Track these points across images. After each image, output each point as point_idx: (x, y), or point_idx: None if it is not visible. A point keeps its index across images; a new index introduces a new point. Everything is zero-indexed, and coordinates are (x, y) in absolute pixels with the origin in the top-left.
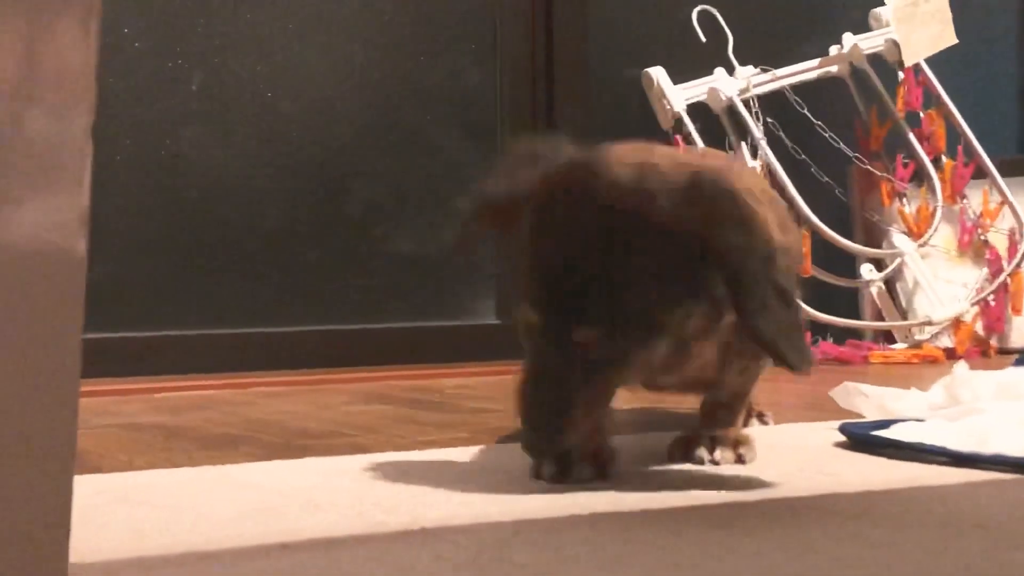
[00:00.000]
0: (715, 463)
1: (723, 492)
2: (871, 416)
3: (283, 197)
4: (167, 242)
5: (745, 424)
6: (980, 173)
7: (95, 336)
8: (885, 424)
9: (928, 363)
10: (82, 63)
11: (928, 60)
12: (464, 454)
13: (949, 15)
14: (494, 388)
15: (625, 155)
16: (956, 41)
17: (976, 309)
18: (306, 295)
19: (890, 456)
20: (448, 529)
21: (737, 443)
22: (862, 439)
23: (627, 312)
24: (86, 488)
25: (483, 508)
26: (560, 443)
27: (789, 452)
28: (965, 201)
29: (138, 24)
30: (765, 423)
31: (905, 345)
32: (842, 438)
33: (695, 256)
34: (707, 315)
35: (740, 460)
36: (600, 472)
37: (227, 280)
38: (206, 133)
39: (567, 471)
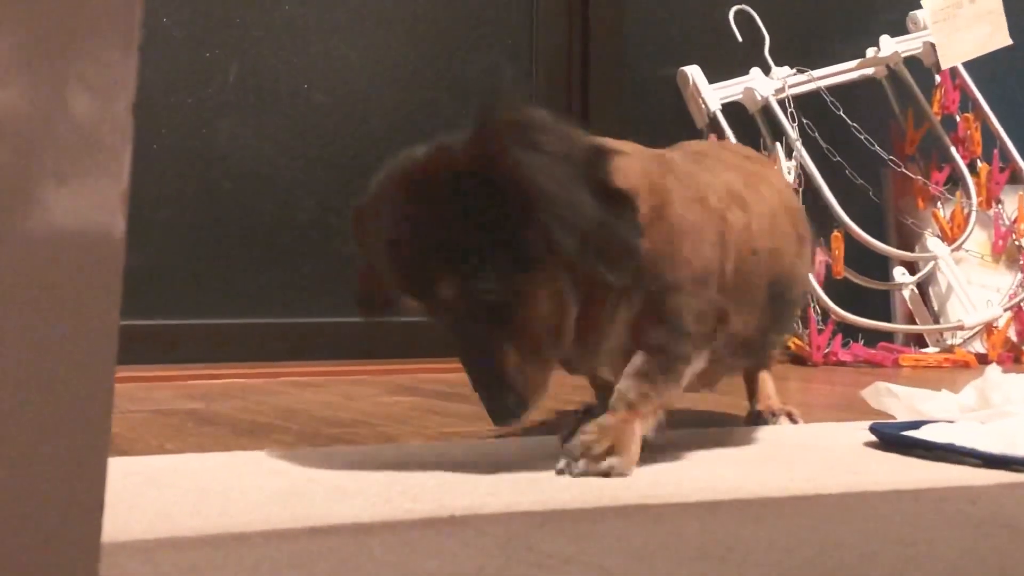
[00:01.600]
0: (570, 473)
1: (752, 487)
2: (901, 417)
3: (317, 189)
4: (201, 232)
5: (774, 422)
6: (1016, 178)
7: (128, 323)
8: (916, 425)
9: (959, 368)
10: (124, 41)
11: (965, 64)
12: (492, 445)
13: (1001, 16)
14: None
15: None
16: (1010, 42)
17: (1009, 314)
18: (338, 287)
19: (920, 457)
20: (476, 517)
21: (610, 451)
22: (892, 439)
23: (470, 256)
24: (115, 470)
25: (511, 497)
26: (516, 403)
27: (819, 451)
28: (1000, 206)
29: (176, 14)
30: (795, 422)
31: (936, 349)
32: (872, 438)
33: (495, 190)
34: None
35: (606, 474)
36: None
37: (260, 270)
38: (241, 124)
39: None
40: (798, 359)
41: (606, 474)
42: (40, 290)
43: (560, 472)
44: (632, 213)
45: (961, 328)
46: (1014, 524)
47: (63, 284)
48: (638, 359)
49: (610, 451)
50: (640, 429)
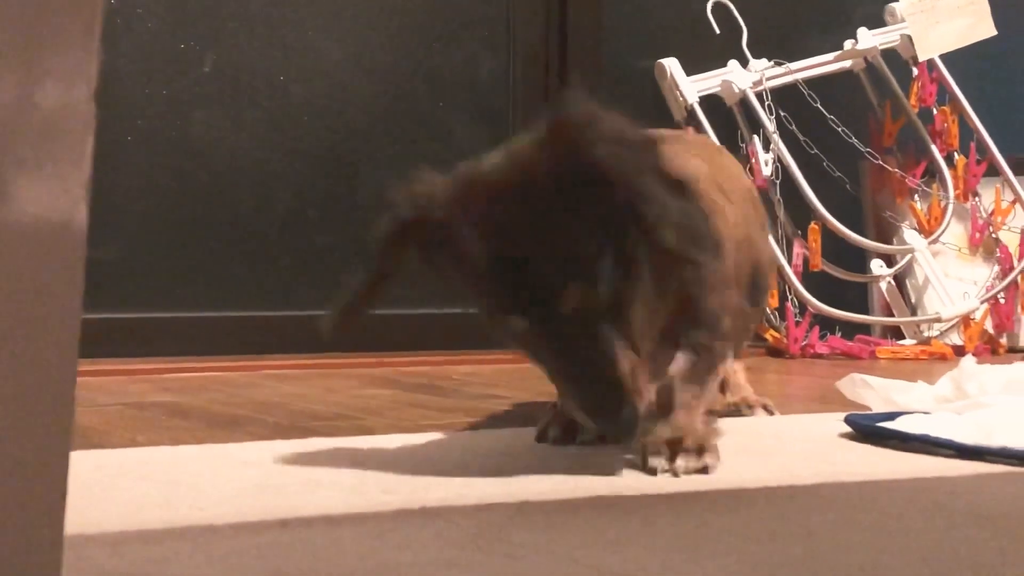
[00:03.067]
0: (674, 474)
1: (726, 479)
2: (877, 408)
3: (294, 181)
4: (177, 224)
5: (749, 413)
6: (993, 171)
7: (105, 316)
8: (891, 416)
9: (936, 360)
10: (86, 29)
11: (942, 56)
12: (468, 438)
13: (985, 6)
14: (503, 375)
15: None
16: (994, 32)
17: (986, 307)
18: (317, 279)
19: (896, 448)
20: (449, 509)
21: (701, 449)
22: (868, 430)
23: (590, 263)
24: (88, 463)
25: (485, 489)
26: (633, 414)
27: (794, 442)
28: (977, 198)
29: (152, 5)
30: (771, 413)
31: (914, 341)
32: (848, 429)
33: (589, 192)
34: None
35: (704, 470)
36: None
37: (237, 263)
38: (218, 116)
39: (571, 435)
40: (775, 351)
41: (704, 471)
42: (2, 279)
43: (654, 472)
44: (696, 199)
45: (938, 320)
46: (988, 513)
47: (26, 273)
48: (683, 361)
49: (700, 449)
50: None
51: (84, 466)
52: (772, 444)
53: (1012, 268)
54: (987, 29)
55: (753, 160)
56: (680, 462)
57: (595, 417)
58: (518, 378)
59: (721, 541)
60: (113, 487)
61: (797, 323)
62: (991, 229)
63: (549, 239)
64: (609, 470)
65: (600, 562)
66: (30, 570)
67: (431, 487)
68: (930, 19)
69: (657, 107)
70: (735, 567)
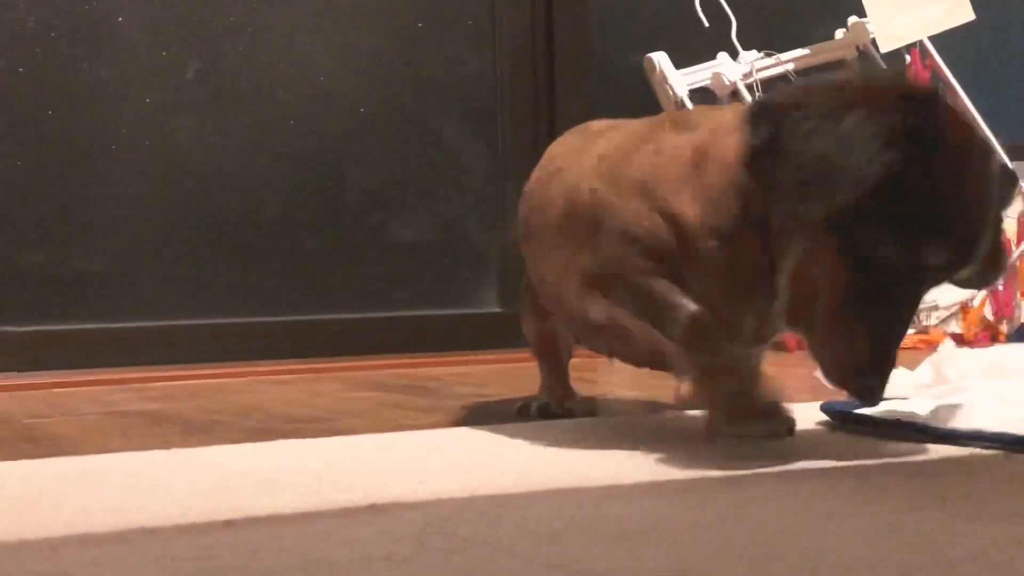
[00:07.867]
0: None
1: (687, 468)
2: None
3: (281, 185)
4: (164, 231)
5: None
6: None
7: (92, 326)
8: None
9: (935, 348)
10: None
11: (935, 43)
12: (442, 436)
13: None
14: (493, 376)
15: None
16: (973, 18)
17: (984, 293)
18: (305, 284)
19: (870, 434)
20: (398, 505)
21: None
22: (843, 417)
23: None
24: (46, 472)
25: (442, 485)
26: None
27: None
28: None
29: (133, 13)
30: None
31: (912, 330)
32: (825, 417)
33: None
34: None
35: None
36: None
37: (225, 269)
38: (202, 122)
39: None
40: (775, 345)
41: None
42: None
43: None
44: None
45: (935, 308)
46: (943, 495)
47: None
48: None
49: None
50: None
51: (42, 473)
52: None
53: (1010, 254)
54: (965, 14)
55: None
56: None
57: (869, 376)
58: (507, 377)
59: (668, 529)
60: (65, 494)
61: None
62: None
63: (990, 203)
64: (572, 462)
65: (537, 553)
66: None
67: (388, 485)
68: (894, 5)
69: (646, 102)
70: (675, 554)
